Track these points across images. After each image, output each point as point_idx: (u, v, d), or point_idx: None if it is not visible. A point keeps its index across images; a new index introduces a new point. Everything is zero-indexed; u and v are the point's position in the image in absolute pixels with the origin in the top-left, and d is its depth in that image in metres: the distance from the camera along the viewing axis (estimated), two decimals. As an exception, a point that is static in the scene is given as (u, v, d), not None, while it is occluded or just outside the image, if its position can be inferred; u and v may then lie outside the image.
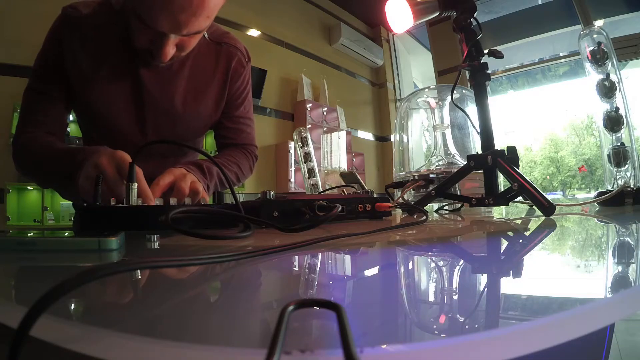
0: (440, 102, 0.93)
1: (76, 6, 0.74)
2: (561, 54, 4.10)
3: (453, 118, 0.94)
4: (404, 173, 0.91)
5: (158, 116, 0.80)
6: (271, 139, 3.63)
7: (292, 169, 3.52)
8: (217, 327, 0.14)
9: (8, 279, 0.27)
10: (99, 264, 0.29)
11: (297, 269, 0.27)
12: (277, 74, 3.70)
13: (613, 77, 0.95)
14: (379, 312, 0.17)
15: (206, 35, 0.83)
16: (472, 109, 0.79)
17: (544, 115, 6.24)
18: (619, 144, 0.93)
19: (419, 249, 0.36)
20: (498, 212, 0.83)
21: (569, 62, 4.21)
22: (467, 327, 0.15)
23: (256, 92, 3.31)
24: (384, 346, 0.12)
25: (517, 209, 0.88)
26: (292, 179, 3.50)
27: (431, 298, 0.20)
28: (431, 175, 0.80)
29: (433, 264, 0.29)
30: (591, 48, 0.98)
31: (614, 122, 0.93)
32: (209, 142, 2.67)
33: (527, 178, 0.60)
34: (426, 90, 0.99)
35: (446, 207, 0.91)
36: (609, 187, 0.93)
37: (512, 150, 0.67)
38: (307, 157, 3.39)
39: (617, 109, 0.93)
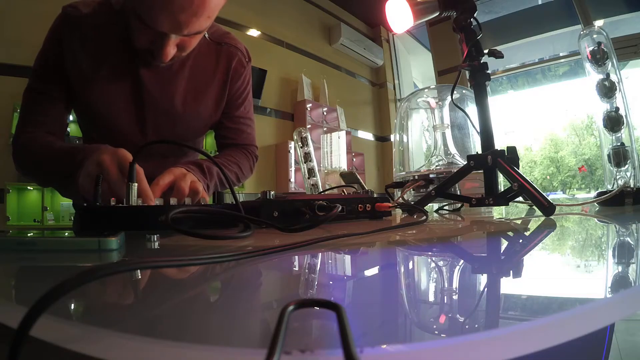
0: (440, 102, 0.93)
1: (76, 5, 0.74)
2: (561, 54, 4.10)
3: (453, 118, 0.94)
4: (404, 173, 0.91)
5: (158, 116, 0.80)
6: (271, 139, 3.63)
7: (292, 169, 3.52)
8: (217, 327, 0.14)
9: (8, 279, 0.27)
10: (99, 264, 0.29)
11: (297, 269, 0.27)
12: (277, 74, 3.70)
13: (613, 77, 0.95)
14: (379, 312, 0.17)
15: (207, 36, 0.83)
16: (472, 109, 0.79)
17: (544, 115, 6.25)
18: (619, 144, 0.93)
19: (419, 249, 0.36)
20: (498, 212, 0.83)
21: (569, 62, 4.21)
22: (467, 327, 0.15)
23: (256, 92, 3.31)
24: (384, 346, 0.12)
25: (517, 209, 0.88)
26: (292, 179, 3.50)
27: (431, 298, 0.20)
28: (431, 175, 0.80)
29: (433, 264, 0.29)
30: (591, 48, 0.98)
31: (614, 122, 0.93)
32: (209, 142, 2.67)
33: (527, 178, 0.60)
34: (426, 90, 0.99)
35: (446, 207, 0.91)
36: (609, 187, 0.93)
37: (512, 150, 0.67)
38: (307, 157, 3.39)
39: (617, 109, 0.93)
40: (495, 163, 0.64)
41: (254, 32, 3.58)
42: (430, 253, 0.34)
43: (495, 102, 4.89)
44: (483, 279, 0.23)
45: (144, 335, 0.13)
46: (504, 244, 0.38)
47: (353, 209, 0.61)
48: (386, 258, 0.32)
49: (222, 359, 0.11)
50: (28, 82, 0.76)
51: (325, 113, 4.00)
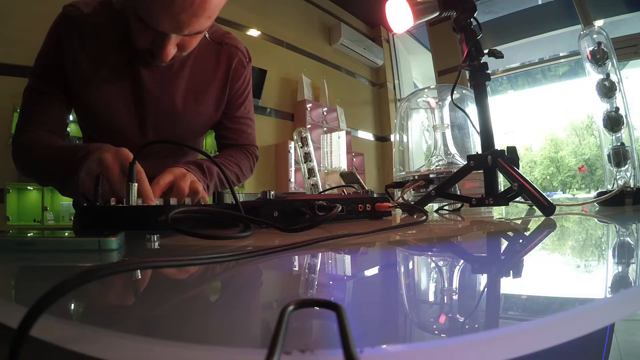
0: (440, 102, 0.93)
1: (77, 5, 0.74)
2: (561, 54, 4.10)
3: (453, 118, 0.94)
4: (404, 173, 0.91)
5: (158, 116, 0.80)
6: (271, 139, 3.63)
7: (292, 169, 3.52)
8: (217, 327, 0.14)
9: (8, 279, 0.27)
10: (99, 264, 0.29)
11: (297, 269, 0.27)
12: (277, 74, 3.70)
13: (613, 77, 0.95)
14: (379, 312, 0.17)
15: (207, 35, 0.83)
16: (472, 109, 0.79)
17: (544, 115, 6.25)
18: (619, 144, 0.93)
19: (419, 249, 0.36)
20: (498, 212, 0.83)
21: (569, 62, 4.21)
22: (467, 327, 0.15)
23: (256, 92, 3.31)
24: (384, 346, 0.12)
25: (517, 209, 0.88)
26: (292, 179, 3.50)
27: (431, 298, 0.20)
28: (431, 175, 0.80)
29: (433, 264, 0.29)
30: (591, 48, 0.98)
31: (614, 122, 0.93)
32: (209, 142, 2.67)
33: (527, 178, 0.60)
34: (426, 90, 0.99)
35: (446, 207, 0.91)
36: (609, 187, 0.93)
37: (512, 150, 0.67)
38: (307, 157, 3.40)
39: (617, 109, 0.93)
40: (495, 163, 0.64)
41: (254, 32, 3.58)
42: (430, 253, 0.34)
43: (495, 102, 4.89)
44: (483, 279, 0.23)
45: (144, 335, 0.13)
46: (504, 244, 0.38)
47: (353, 209, 0.61)
48: (386, 258, 0.32)
49: (222, 359, 0.11)
50: (28, 81, 0.76)
51: (325, 113, 4.00)
